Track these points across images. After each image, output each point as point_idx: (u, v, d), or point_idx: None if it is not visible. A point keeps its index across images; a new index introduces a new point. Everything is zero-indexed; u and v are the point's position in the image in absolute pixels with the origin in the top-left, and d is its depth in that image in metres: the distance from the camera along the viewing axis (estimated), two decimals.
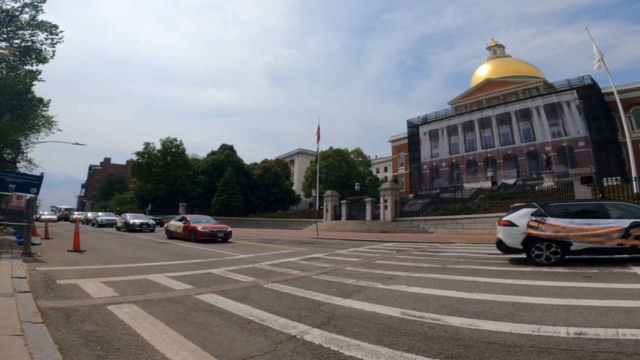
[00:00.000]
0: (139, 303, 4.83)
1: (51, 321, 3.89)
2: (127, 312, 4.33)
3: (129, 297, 5.22)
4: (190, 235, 16.79)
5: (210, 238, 16.44)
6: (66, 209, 58.89)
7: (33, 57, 19.35)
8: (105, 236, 19.66)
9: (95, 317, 4.12)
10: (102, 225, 32.87)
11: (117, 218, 35.58)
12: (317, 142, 31.77)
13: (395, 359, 2.95)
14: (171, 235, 18.89)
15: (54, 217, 48.73)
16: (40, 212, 50.54)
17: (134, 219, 26.62)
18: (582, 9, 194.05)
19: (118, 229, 27.35)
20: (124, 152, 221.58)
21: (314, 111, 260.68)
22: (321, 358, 2.98)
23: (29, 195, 11.21)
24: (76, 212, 56.67)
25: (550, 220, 7.89)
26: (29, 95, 19.73)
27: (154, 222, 27.48)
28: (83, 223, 38.47)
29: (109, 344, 3.25)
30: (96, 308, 4.53)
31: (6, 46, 18.04)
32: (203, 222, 17.82)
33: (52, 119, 26.45)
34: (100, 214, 38.42)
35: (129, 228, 25.27)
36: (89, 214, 45.35)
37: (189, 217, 19.04)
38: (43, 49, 19.45)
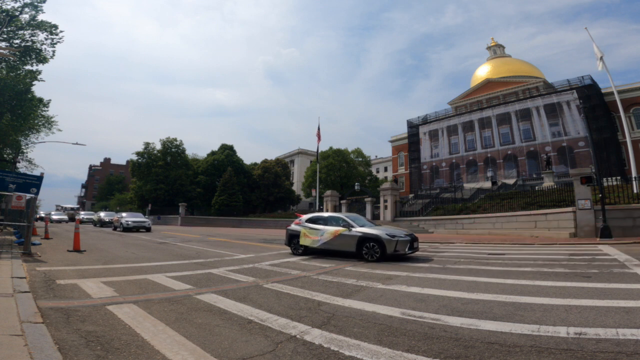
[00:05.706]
0: (139, 303, 4.83)
1: (51, 321, 3.89)
2: (127, 312, 4.33)
3: (129, 297, 5.22)
4: None
5: None
6: (72, 209, 56.28)
7: (33, 57, 19.34)
8: (105, 236, 19.64)
9: (95, 317, 4.12)
10: (128, 229, 24.25)
11: (147, 219, 26.96)
12: (318, 142, 31.87)
13: (395, 359, 2.95)
14: None
15: (65, 217, 43.38)
16: (43, 212, 48.39)
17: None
18: (583, 7, 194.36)
19: (297, 250, 11.32)
20: (124, 152, 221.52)
21: (313, 110, 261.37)
22: (321, 358, 2.98)
23: (29, 195, 11.20)
24: (82, 213, 52.28)
25: None
26: (29, 95, 19.71)
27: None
28: (95, 225, 33.63)
29: (109, 344, 3.25)
30: (96, 308, 4.53)
31: (6, 46, 18.03)
32: None
33: (52, 119, 26.54)
34: (124, 214, 27.69)
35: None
36: (102, 214, 36.12)
37: None
38: (43, 49, 19.46)
